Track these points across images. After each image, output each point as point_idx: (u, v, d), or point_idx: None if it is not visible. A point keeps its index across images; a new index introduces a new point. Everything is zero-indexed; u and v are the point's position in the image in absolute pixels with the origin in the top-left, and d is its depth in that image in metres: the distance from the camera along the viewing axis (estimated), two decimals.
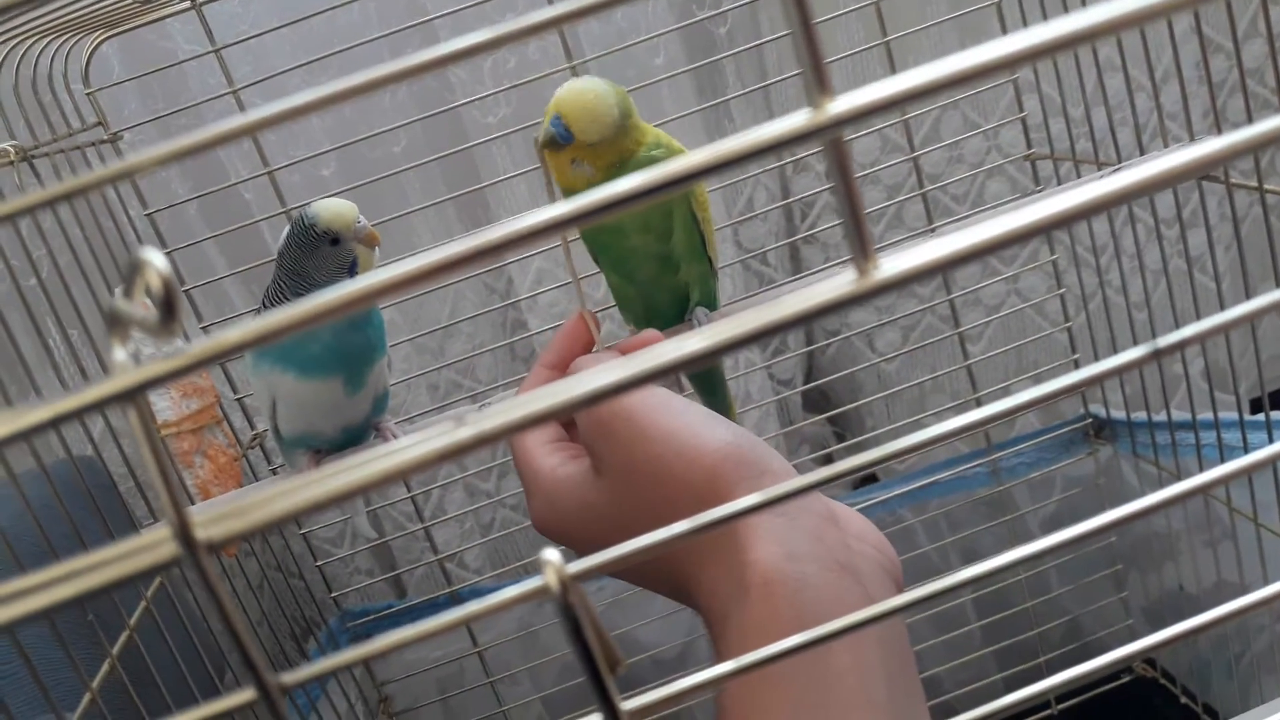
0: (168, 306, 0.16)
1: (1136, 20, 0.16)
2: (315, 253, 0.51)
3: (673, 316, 0.57)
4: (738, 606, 0.30)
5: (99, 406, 0.17)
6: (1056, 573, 0.89)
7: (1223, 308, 0.78)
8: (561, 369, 0.43)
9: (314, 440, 0.56)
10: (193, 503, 0.64)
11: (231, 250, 0.85)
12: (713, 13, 0.80)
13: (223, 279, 0.79)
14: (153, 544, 0.17)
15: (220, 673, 0.72)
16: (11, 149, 0.58)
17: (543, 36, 0.74)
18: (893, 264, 0.17)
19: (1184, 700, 0.84)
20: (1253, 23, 0.93)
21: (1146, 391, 0.83)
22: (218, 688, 0.67)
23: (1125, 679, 0.89)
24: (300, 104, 0.17)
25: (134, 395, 0.16)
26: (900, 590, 0.34)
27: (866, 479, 0.99)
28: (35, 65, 0.64)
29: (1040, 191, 0.80)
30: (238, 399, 0.74)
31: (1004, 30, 0.76)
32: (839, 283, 0.17)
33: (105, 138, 0.70)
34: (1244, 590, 0.83)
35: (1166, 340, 0.19)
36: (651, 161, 0.52)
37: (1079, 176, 0.76)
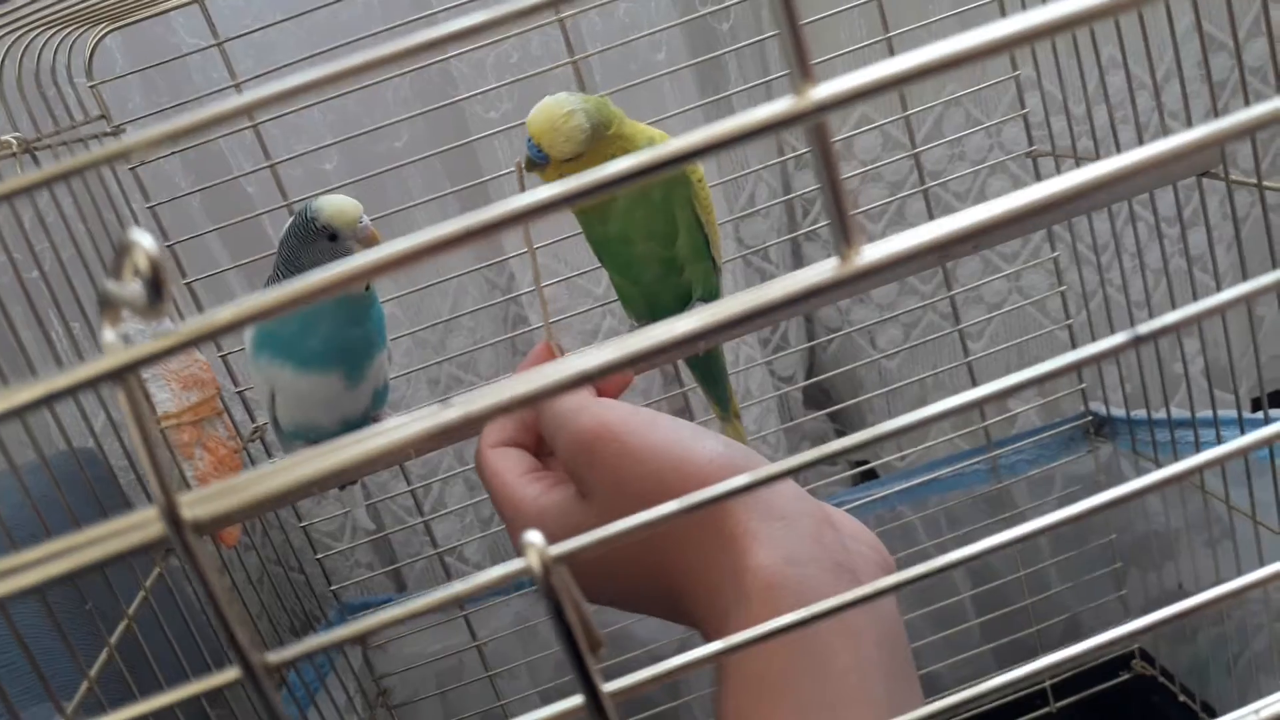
0: (155, 286, 0.16)
1: (1120, 8, 0.16)
2: (312, 246, 0.51)
3: (676, 312, 0.57)
4: (739, 612, 0.30)
5: (89, 385, 0.17)
6: (1056, 570, 0.89)
7: (1225, 319, 0.78)
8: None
9: (313, 433, 0.57)
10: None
11: (234, 243, 0.85)
12: (715, 8, 0.80)
13: (225, 271, 0.79)
14: (140, 523, 0.17)
15: (219, 664, 0.72)
16: (14, 140, 0.59)
17: (545, 31, 0.74)
18: (875, 250, 0.17)
19: (1182, 699, 0.84)
20: (1255, 21, 0.93)
21: (1147, 390, 0.83)
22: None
23: (1124, 677, 0.89)
24: (298, 84, 0.17)
25: (124, 374, 0.17)
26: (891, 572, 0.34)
27: (866, 475, 0.99)
28: (39, 57, 0.64)
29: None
30: (239, 392, 0.74)
31: None
32: (822, 269, 0.17)
33: (108, 130, 0.70)
34: (1242, 590, 0.83)
35: (1147, 327, 0.19)
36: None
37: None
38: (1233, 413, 0.72)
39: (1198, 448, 0.75)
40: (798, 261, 0.98)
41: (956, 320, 0.82)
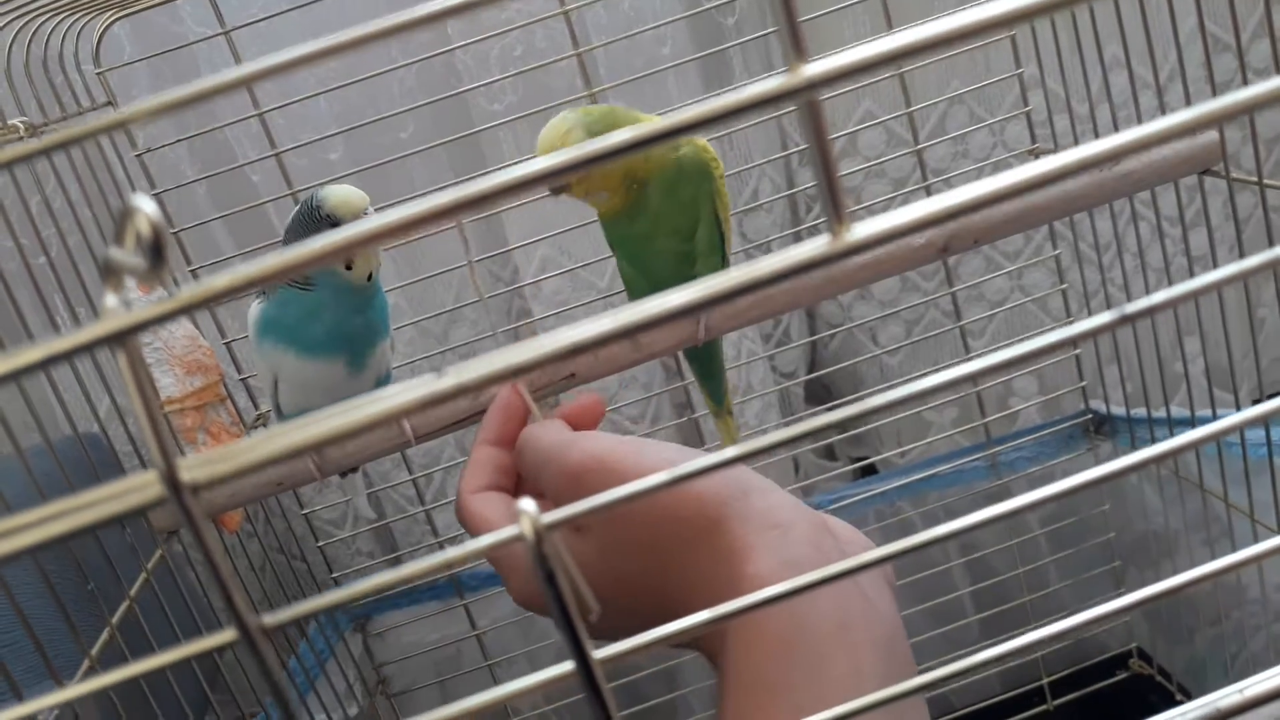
0: (156, 251, 0.17)
1: None
2: (315, 234, 0.52)
3: None
4: (737, 620, 0.31)
5: (90, 348, 0.17)
6: (1055, 568, 0.89)
7: (1223, 307, 0.78)
8: (503, 444, 0.42)
9: None
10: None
11: (239, 232, 0.85)
12: (720, 2, 0.80)
13: (229, 259, 0.80)
14: (140, 486, 0.18)
15: (220, 649, 0.73)
16: (21, 124, 0.59)
17: (549, 24, 0.74)
18: (866, 227, 0.17)
19: (1179, 698, 0.84)
20: (1260, 23, 0.93)
21: (1147, 389, 0.83)
22: (216, 662, 0.68)
23: (1121, 676, 0.90)
24: (298, 55, 0.17)
25: (124, 338, 0.17)
26: (893, 589, 0.34)
27: (866, 470, 0.99)
28: (46, 44, 0.65)
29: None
30: (242, 379, 0.75)
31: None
32: (814, 244, 0.17)
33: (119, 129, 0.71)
34: (1241, 589, 0.83)
35: (1134, 306, 0.20)
36: (683, 161, 0.52)
37: None
38: (1232, 412, 0.72)
39: (1197, 448, 0.75)
40: None
41: (958, 317, 0.82)
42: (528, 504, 0.18)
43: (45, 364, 0.17)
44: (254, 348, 0.56)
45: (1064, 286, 0.83)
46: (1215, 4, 0.76)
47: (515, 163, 0.77)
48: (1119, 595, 0.86)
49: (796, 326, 0.99)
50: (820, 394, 1.04)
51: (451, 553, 0.19)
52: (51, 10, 0.61)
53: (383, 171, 0.78)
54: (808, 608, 0.30)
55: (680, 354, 0.65)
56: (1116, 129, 0.75)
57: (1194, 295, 0.19)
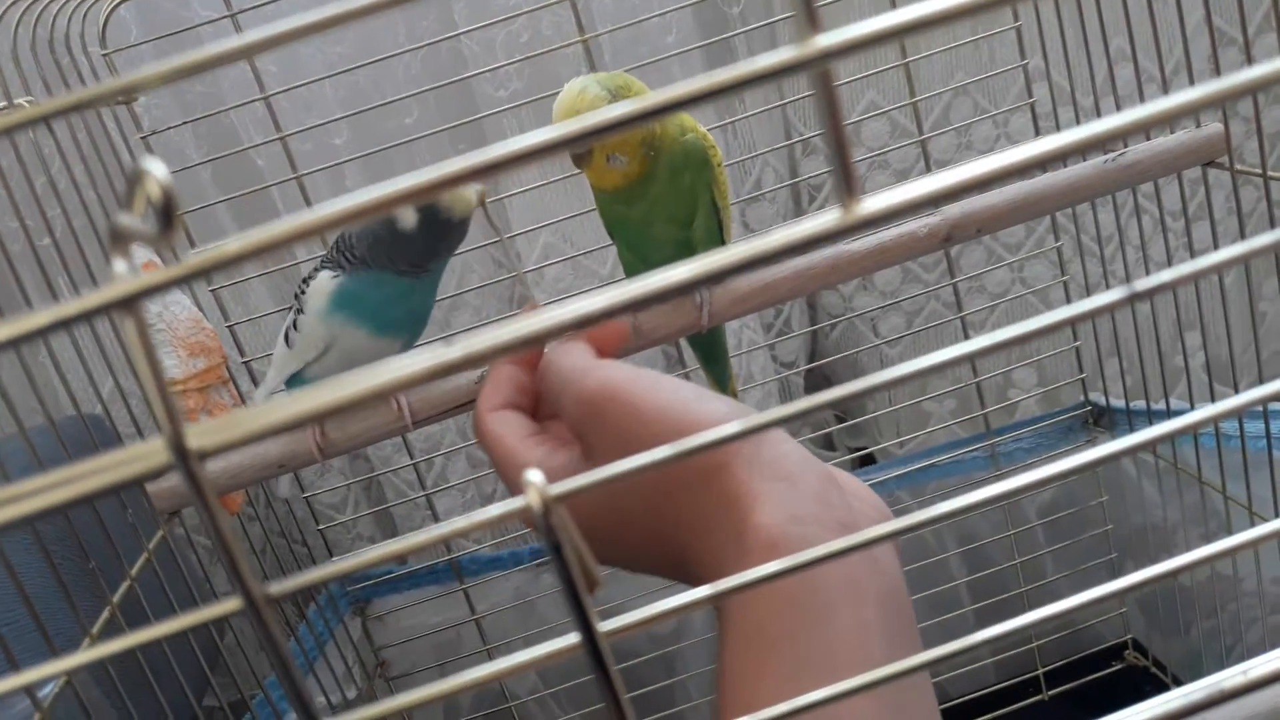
0: (166, 215, 0.17)
1: None
2: (449, 234, 0.53)
3: None
4: (740, 568, 0.31)
5: (97, 313, 0.17)
6: (1051, 560, 0.89)
7: (1225, 301, 0.78)
8: (524, 364, 0.41)
9: None
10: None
11: (243, 215, 0.85)
12: None
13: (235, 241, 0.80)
14: (146, 453, 0.18)
15: (221, 631, 0.73)
16: (27, 104, 0.59)
17: (555, 11, 0.74)
18: (876, 201, 0.17)
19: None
20: (1266, 17, 0.93)
21: (1147, 382, 0.83)
22: (217, 643, 0.68)
23: (1116, 667, 0.90)
24: (299, 25, 0.17)
25: (132, 304, 0.17)
26: (898, 551, 0.34)
27: (864, 460, 1.00)
28: (53, 25, 0.65)
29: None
30: (245, 362, 0.75)
31: (1015, 17, 0.76)
32: (824, 218, 0.17)
33: (120, 99, 0.71)
34: (1237, 581, 0.84)
35: (1143, 284, 0.20)
36: (687, 147, 0.52)
37: (1083, 155, 0.76)
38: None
39: (1195, 438, 0.76)
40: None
41: (959, 309, 0.83)
42: (534, 475, 0.18)
43: (52, 329, 0.17)
44: (316, 315, 0.56)
45: (1065, 279, 0.83)
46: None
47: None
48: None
49: (797, 316, 0.99)
50: (821, 384, 1.04)
51: (460, 522, 0.19)
52: None
53: (386, 156, 0.78)
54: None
55: (684, 340, 0.65)
56: None
57: (1203, 274, 0.19)
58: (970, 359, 0.18)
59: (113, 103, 0.70)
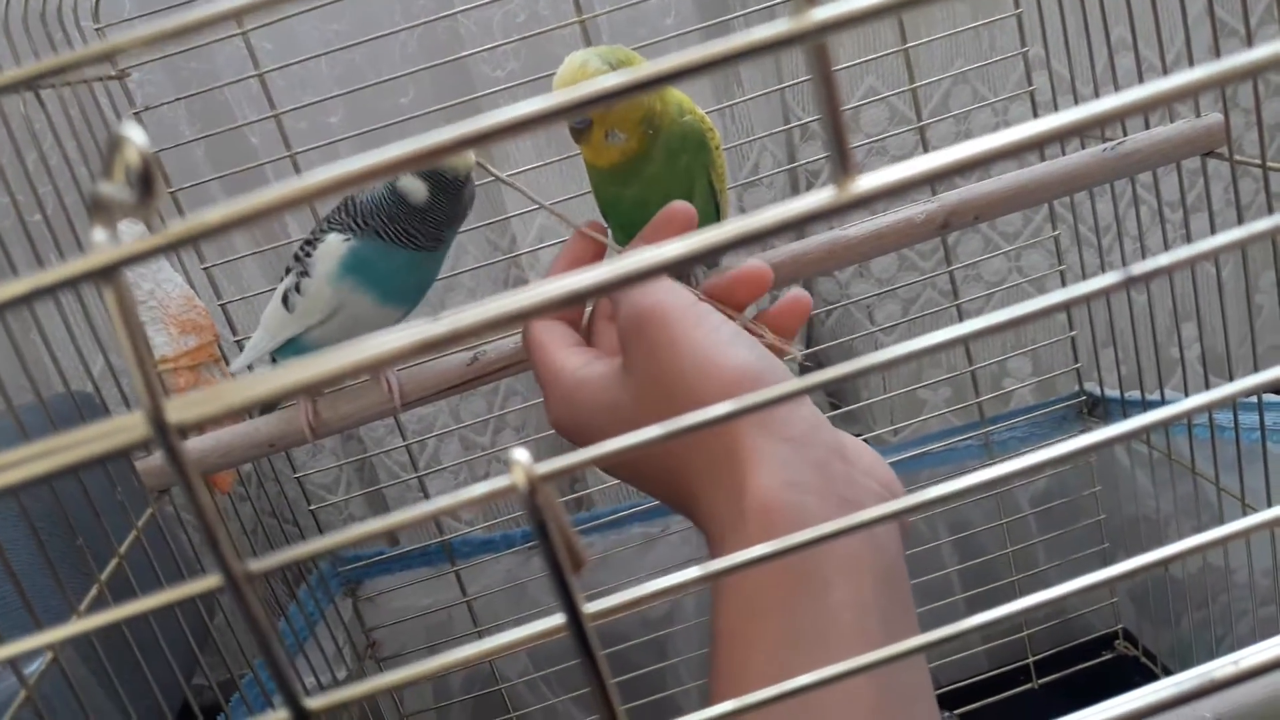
0: (145, 182, 0.16)
1: None
2: (459, 196, 0.53)
3: None
4: (734, 532, 0.30)
5: (76, 282, 0.17)
6: (1044, 549, 0.89)
7: (1222, 294, 0.78)
8: None
9: None
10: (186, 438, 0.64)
11: (237, 193, 0.85)
12: None
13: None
14: (126, 426, 0.17)
15: (211, 611, 0.73)
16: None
17: None
18: (871, 179, 0.17)
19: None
20: (1268, 8, 0.93)
21: (1142, 373, 0.83)
22: (206, 623, 0.68)
23: (1106, 656, 0.90)
24: None
25: (111, 273, 0.17)
26: (906, 531, 0.34)
27: None
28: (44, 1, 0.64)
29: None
30: (236, 340, 0.74)
31: (1015, 4, 0.76)
32: (819, 195, 0.17)
33: (113, 73, 0.70)
34: (1229, 574, 0.84)
35: (1140, 267, 0.19)
36: (685, 129, 0.51)
37: (1081, 143, 0.76)
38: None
39: (1189, 428, 0.75)
40: (799, 234, 0.97)
41: (955, 296, 0.82)
42: (520, 454, 0.18)
43: (31, 297, 0.17)
44: (326, 278, 0.54)
45: (1062, 268, 0.83)
46: None
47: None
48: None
49: None
50: (816, 370, 1.04)
51: (441, 502, 0.18)
52: None
53: (382, 135, 0.77)
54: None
55: None
56: None
57: (1200, 259, 0.19)
58: (964, 341, 0.18)
59: (104, 77, 0.70)
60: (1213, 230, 0.80)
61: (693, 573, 0.20)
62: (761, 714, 0.17)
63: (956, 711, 0.88)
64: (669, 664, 0.87)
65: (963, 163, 0.18)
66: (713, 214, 0.56)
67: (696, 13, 0.86)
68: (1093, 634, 0.92)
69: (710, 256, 0.17)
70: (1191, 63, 0.70)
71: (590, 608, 0.19)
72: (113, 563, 0.55)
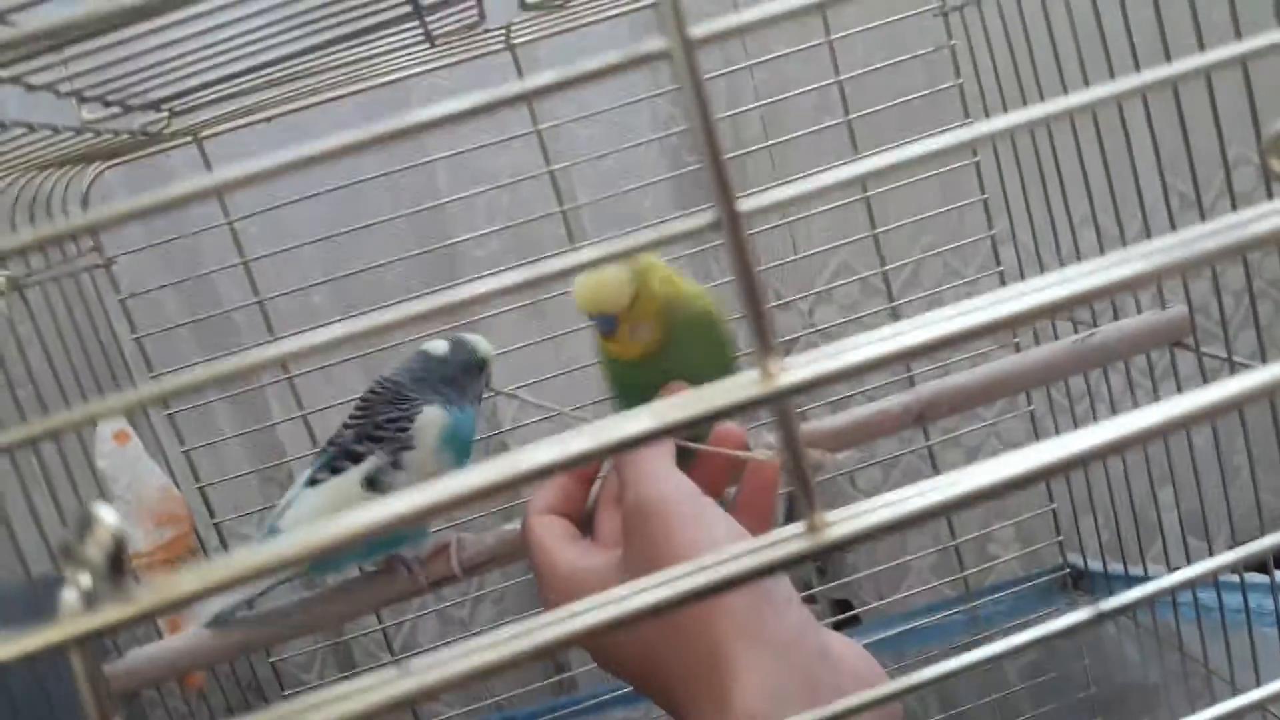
0: (116, 562, 0.17)
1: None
2: (476, 380, 0.56)
3: None
4: None
5: (44, 652, 0.17)
6: None
7: (1194, 458, 0.78)
8: (575, 474, 0.44)
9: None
10: (160, 636, 0.63)
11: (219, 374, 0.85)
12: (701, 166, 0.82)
13: (212, 403, 0.80)
14: None
15: None
16: (3, 279, 0.59)
17: (537, 179, 0.76)
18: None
19: None
20: (1222, 185, 0.96)
21: (1123, 540, 0.83)
22: None
23: None
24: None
25: (82, 643, 0.17)
26: None
27: (848, 621, 0.98)
28: (35, 192, 0.65)
29: (1016, 341, 0.82)
30: (215, 523, 0.74)
31: (981, 189, 0.79)
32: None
33: (99, 263, 0.71)
34: None
35: (1110, 604, 0.20)
36: (698, 316, 0.52)
37: (1053, 324, 0.77)
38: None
39: (1175, 606, 0.75)
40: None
41: (933, 464, 0.83)
42: None
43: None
44: (431, 451, 0.54)
45: (1040, 440, 0.83)
46: (1178, 161, 0.79)
47: (502, 312, 0.78)
48: None
49: None
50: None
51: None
52: (39, 164, 0.62)
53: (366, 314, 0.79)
54: None
55: None
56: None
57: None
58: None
59: (91, 266, 0.71)
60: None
61: None
62: None
63: None
64: None
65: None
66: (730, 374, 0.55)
67: (674, 199, 0.89)
68: None
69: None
70: (1149, 233, 0.73)
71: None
72: None
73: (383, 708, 0.18)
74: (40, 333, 0.63)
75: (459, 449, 0.55)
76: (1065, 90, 0.70)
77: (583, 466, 0.43)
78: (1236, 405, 0.17)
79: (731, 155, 0.86)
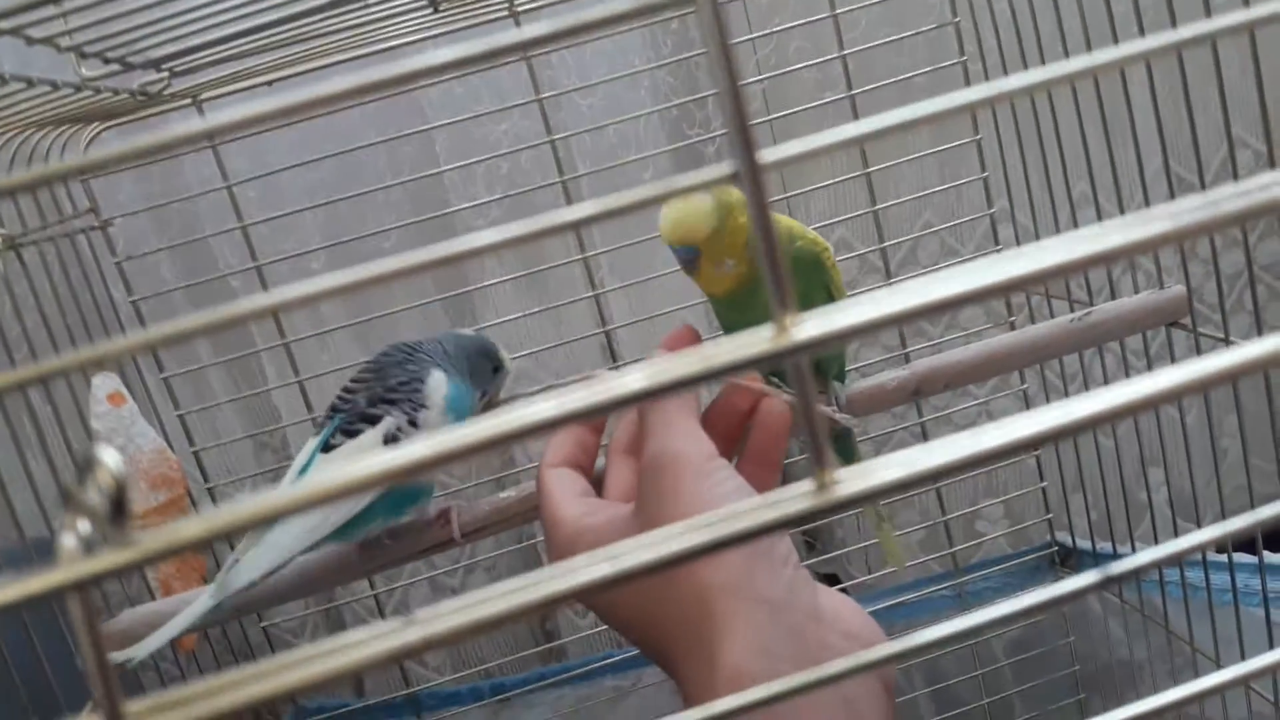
0: (118, 505, 0.17)
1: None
2: (489, 375, 0.58)
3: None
4: (705, 698, 0.30)
5: (44, 598, 0.17)
6: (1020, 700, 0.88)
7: (1186, 438, 0.79)
8: (592, 423, 0.43)
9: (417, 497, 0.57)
10: (154, 597, 0.63)
11: (219, 341, 0.85)
12: (704, 136, 0.82)
13: (206, 367, 0.80)
14: None
15: None
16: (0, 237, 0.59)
17: (536, 148, 0.75)
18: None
19: None
20: (1223, 164, 0.96)
21: (1112, 519, 0.83)
22: None
23: None
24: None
25: (81, 587, 0.17)
26: (891, 695, 0.33)
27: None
28: (32, 152, 0.65)
29: (1012, 320, 0.82)
30: (209, 488, 0.74)
31: (982, 167, 0.78)
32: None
33: (95, 224, 0.71)
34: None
35: (1118, 567, 0.20)
36: (796, 253, 0.51)
37: (1049, 307, 0.78)
38: (1196, 553, 0.73)
39: (1162, 585, 0.76)
40: None
41: (926, 439, 0.83)
42: None
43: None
44: (440, 412, 0.55)
45: (1043, 445, 0.84)
46: (1179, 143, 0.79)
47: (502, 281, 0.77)
48: None
49: None
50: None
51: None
52: (36, 124, 0.62)
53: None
54: (782, 705, 0.29)
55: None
56: (1087, 279, 0.76)
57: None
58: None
59: (87, 228, 0.71)
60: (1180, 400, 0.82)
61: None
62: None
63: None
64: None
65: (962, 461, 0.17)
66: None
67: (673, 171, 0.88)
68: None
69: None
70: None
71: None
72: None
73: (388, 657, 0.18)
74: (36, 294, 0.63)
75: (458, 417, 0.56)
76: (1072, 81, 0.69)
77: (585, 421, 0.43)
78: (1236, 376, 0.17)
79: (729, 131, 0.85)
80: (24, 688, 0.54)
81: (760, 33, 0.78)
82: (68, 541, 0.17)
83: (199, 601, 0.52)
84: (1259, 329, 0.65)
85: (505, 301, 0.85)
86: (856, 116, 0.75)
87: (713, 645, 0.31)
